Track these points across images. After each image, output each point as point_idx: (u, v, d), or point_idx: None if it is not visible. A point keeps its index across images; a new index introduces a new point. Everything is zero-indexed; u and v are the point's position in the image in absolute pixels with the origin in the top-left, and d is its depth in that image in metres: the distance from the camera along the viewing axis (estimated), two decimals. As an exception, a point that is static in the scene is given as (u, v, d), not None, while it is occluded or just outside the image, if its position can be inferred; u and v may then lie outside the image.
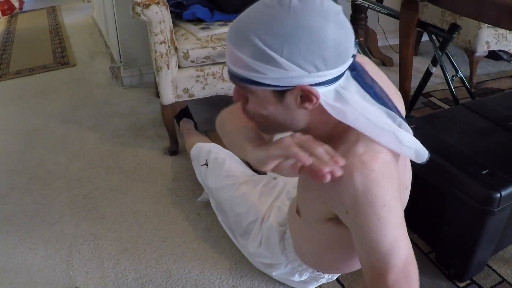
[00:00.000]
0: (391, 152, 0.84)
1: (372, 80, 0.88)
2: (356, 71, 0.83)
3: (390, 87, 0.97)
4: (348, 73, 0.82)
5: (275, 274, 1.30)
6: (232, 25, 0.80)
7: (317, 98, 0.79)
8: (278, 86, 0.78)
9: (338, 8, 0.78)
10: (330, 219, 0.97)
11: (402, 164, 0.92)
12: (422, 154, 0.90)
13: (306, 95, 0.79)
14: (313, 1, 0.75)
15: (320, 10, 0.75)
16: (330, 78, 0.78)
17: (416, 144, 0.89)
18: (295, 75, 0.76)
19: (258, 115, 0.85)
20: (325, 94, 0.79)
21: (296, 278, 1.26)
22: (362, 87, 0.84)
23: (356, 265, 1.13)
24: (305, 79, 0.77)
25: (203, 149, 1.59)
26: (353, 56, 0.81)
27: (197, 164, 1.58)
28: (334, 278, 1.30)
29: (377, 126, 0.82)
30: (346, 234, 0.91)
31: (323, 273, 1.23)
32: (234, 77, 0.81)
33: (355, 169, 0.79)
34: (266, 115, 0.83)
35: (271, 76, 0.76)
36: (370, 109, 0.82)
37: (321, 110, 0.81)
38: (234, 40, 0.78)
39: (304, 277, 1.24)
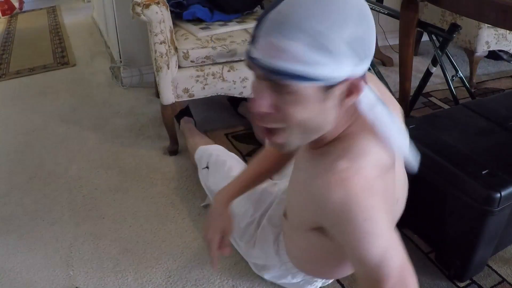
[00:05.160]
0: (378, 167, 0.82)
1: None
2: None
3: (389, 97, 0.97)
4: None
5: (268, 276, 1.29)
6: (271, 16, 0.71)
7: (361, 91, 0.76)
8: (330, 80, 0.71)
9: None
10: (314, 229, 0.97)
11: (391, 178, 0.88)
12: (413, 164, 0.89)
13: (352, 89, 0.75)
14: None
15: None
16: (365, 69, 0.76)
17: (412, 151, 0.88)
18: (349, 65, 0.71)
19: (291, 123, 0.77)
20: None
21: (289, 280, 1.25)
22: None
23: (342, 273, 1.13)
24: (355, 70, 0.73)
25: (205, 152, 1.58)
26: None
27: (200, 167, 1.58)
28: (329, 281, 1.30)
29: (391, 121, 0.81)
30: (329, 245, 0.91)
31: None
32: (275, 73, 0.71)
33: (334, 186, 0.77)
34: (303, 119, 0.76)
35: (327, 67, 0.70)
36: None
37: (345, 109, 0.80)
38: (281, 30, 0.69)
39: (297, 279, 1.23)
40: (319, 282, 1.26)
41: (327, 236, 0.92)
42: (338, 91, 0.75)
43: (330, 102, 0.75)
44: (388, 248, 0.80)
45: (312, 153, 0.89)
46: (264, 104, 0.75)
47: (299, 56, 0.69)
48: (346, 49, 0.70)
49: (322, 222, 0.87)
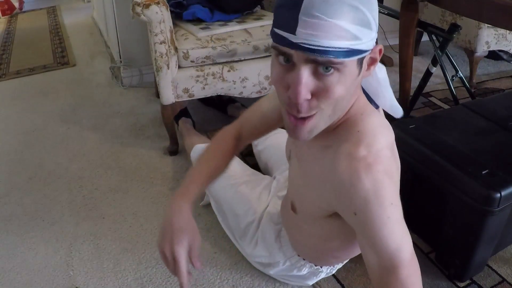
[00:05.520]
0: (389, 146, 0.85)
1: None
2: None
3: None
4: None
5: (273, 272, 1.30)
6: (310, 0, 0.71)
7: (379, 58, 0.80)
8: (366, 51, 0.75)
9: None
10: (330, 216, 0.97)
11: (396, 153, 0.93)
12: (398, 109, 0.96)
13: (373, 58, 0.80)
14: None
15: None
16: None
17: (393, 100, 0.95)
18: (374, 35, 0.75)
19: (327, 105, 0.77)
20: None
21: (295, 273, 1.26)
22: None
23: (355, 251, 1.14)
24: (375, 39, 0.77)
25: (201, 150, 1.58)
26: None
27: None
28: (333, 271, 1.30)
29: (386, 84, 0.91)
30: (346, 226, 0.91)
31: (321, 267, 1.23)
32: (323, 53, 0.71)
33: (362, 173, 0.79)
34: (340, 96, 0.77)
35: (365, 40, 0.73)
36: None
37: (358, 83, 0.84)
38: (326, 9, 0.69)
39: (303, 272, 1.24)
40: (323, 273, 1.27)
41: (341, 218, 0.93)
42: (365, 62, 0.79)
43: (360, 74, 0.79)
44: (404, 233, 0.83)
45: (320, 143, 0.89)
46: (306, 90, 0.75)
47: (346, 32, 0.71)
48: (374, 20, 0.74)
49: (346, 210, 0.87)
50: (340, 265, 1.29)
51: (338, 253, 1.16)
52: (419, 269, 0.84)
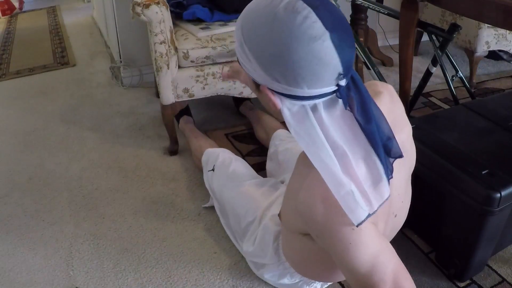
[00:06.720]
0: None
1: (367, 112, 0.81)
2: (348, 97, 0.79)
3: (400, 117, 0.96)
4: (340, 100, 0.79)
5: (267, 276, 1.29)
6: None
7: (275, 104, 0.82)
8: (253, 78, 0.84)
9: (318, 34, 0.74)
10: (305, 235, 0.97)
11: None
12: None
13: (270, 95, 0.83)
14: (293, 19, 0.74)
15: (294, 30, 0.74)
16: (293, 94, 0.79)
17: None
18: (260, 74, 0.80)
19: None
20: (289, 106, 0.81)
21: (287, 280, 1.24)
22: (355, 116, 0.80)
23: (338, 277, 1.13)
24: (269, 83, 0.80)
25: (212, 155, 1.58)
26: (338, 85, 0.78)
27: (205, 170, 1.58)
28: (328, 283, 1.29)
29: (328, 168, 0.78)
30: (322, 250, 0.91)
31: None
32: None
33: (313, 202, 0.79)
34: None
35: (248, 67, 0.82)
36: (333, 143, 0.79)
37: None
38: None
39: (295, 279, 1.23)
40: (318, 284, 1.26)
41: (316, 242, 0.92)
42: (263, 89, 0.83)
43: (263, 94, 0.85)
44: (378, 254, 0.80)
45: (300, 157, 0.89)
46: None
47: (238, 45, 0.85)
48: (256, 60, 0.80)
49: (311, 231, 0.87)
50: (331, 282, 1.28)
51: (319, 272, 1.14)
52: (408, 285, 0.81)
